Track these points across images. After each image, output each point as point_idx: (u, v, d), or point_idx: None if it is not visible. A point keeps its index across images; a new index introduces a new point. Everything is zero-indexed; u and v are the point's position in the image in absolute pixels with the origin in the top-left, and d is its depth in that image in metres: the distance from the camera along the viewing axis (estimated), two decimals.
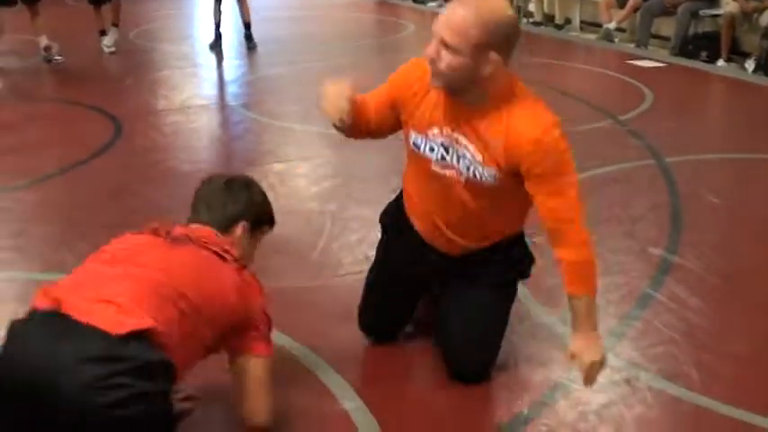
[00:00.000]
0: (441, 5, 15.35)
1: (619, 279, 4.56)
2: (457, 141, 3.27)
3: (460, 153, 3.27)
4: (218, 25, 11.31)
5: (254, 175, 6.42)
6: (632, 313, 4.21)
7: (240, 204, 3.25)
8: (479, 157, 3.23)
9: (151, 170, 6.47)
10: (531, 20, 13.65)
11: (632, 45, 11.63)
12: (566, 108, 8.40)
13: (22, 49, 11.10)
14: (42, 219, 5.62)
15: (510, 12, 3.12)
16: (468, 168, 3.27)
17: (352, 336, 3.99)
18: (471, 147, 3.24)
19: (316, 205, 5.71)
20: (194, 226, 3.15)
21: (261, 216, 3.34)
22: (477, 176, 3.26)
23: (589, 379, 3.19)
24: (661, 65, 10.45)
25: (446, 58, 3.04)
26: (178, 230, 3.05)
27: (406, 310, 3.93)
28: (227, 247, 3.04)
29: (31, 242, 5.18)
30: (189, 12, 14.91)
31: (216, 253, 2.98)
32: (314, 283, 4.57)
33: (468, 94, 3.18)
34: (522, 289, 4.33)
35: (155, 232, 3.01)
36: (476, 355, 3.65)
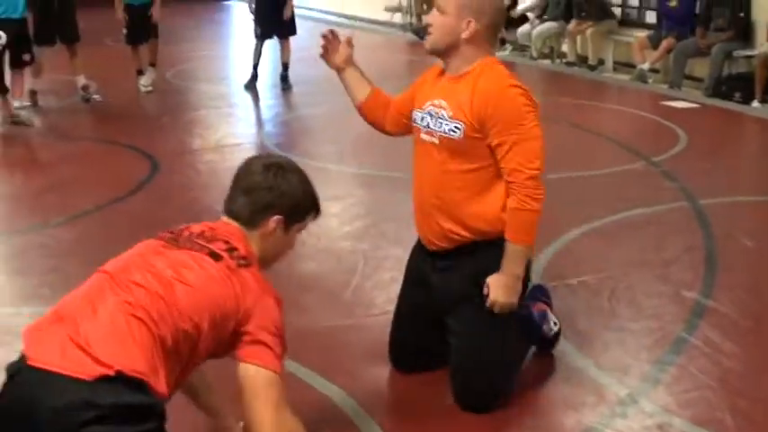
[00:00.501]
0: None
1: (653, 323, 4.54)
2: (438, 106, 3.65)
3: (439, 115, 3.64)
4: (255, 66, 11.42)
5: None
6: (666, 358, 4.18)
7: (274, 193, 2.96)
8: (449, 114, 3.60)
9: (186, 208, 6.52)
10: (564, 60, 13.67)
11: (666, 86, 11.61)
12: (599, 149, 8.41)
13: (61, 89, 11.26)
14: (78, 255, 5.67)
15: None
16: (440, 126, 3.63)
17: (384, 376, 4.00)
18: (445, 105, 3.63)
19: (348, 244, 5.73)
20: (222, 220, 2.99)
21: (299, 206, 3.03)
22: (446, 131, 3.60)
23: (492, 309, 3.59)
24: (695, 106, 10.42)
25: (436, 19, 3.62)
26: (194, 229, 2.91)
27: (427, 339, 3.96)
28: (235, 244, 2.84)
29: (66, 278, 5.22)
30: (225, 52, 15.07)
31: (211, 252, 2.77)
32: (346, 322, 4.58)
33: (452, 60, 3.65)
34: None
35: (168, 234, 2.91)
36: (474, 384, 3.72)
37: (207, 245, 2.80)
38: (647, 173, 7.42)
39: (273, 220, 2.95)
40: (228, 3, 24.50)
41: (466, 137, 3.54)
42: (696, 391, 3.89)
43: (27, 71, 9.86)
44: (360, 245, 5.69)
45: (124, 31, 11.17)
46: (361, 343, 4.37)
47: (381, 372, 4.01)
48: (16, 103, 9.51)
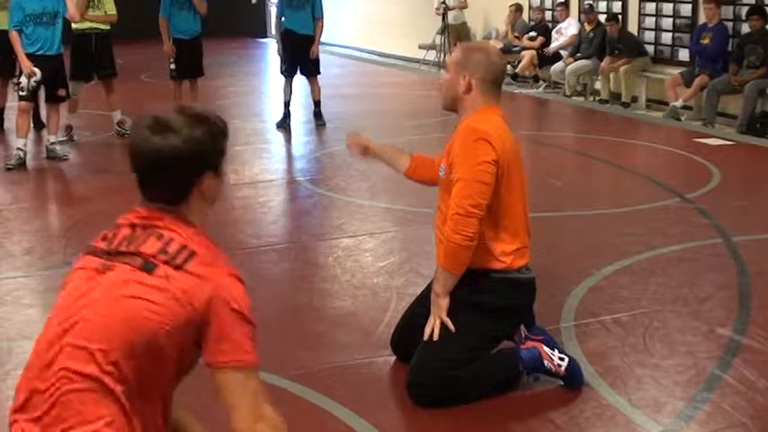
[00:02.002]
0: (509, 83, 15.49)
1: (686, 360, 4.51)
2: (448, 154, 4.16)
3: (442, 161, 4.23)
4: (287, 104, 11.50)
5: (322, 249, 6.60)
6: (700, 395, 4.15)
7: (184, 160, 2.52)
8: (445, 160, 4.16)
9: (219, 243, 6.52)
10: (597, 98, 13.69)
11: (699, 123, 11.60)
12: (632, 186, 8.40)
13: (96, 124, 11.39)
14: None
15: (493, 54, 4.25)
16: (441, 169, 4.22)
17: (413, 413, 4.00)
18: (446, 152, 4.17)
19: (381, 280, 5.74)
20: (147, 208, 2.63)
21: (212, 151, 2.59)
22: (441, 173, 4.21)
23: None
24: (728, 143, 10.39)
25: (443, 77, 4.26)
26: (129, 221, 2.63)
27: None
28: (168, 236, 2.54)
29: None
30: (260, 89, 15.21)
31: (143, 263, 2.48)
32: (378, 358, 4.58)
33: (459, 112, 4.16)
34: (588, 368, 4.33)
35: (102, 244, 2.62)
36: (418, 373, 4.07)
37: (139, 250, 2.50)
38: (680, 210, 7.40)
39: (206, 181, 2.58)
40: (263, 40, 24.74)
41: (447, 176, 4.09)
42: (730, 429, 3.86)
43: (63, 106, 9.98)
44: (393, 281, 5.70)
45: (171, 66, 11.31)
46: (392, 379, 4.37)
47: (411, 409, 4.01)
48: (52, 138, 9.62)
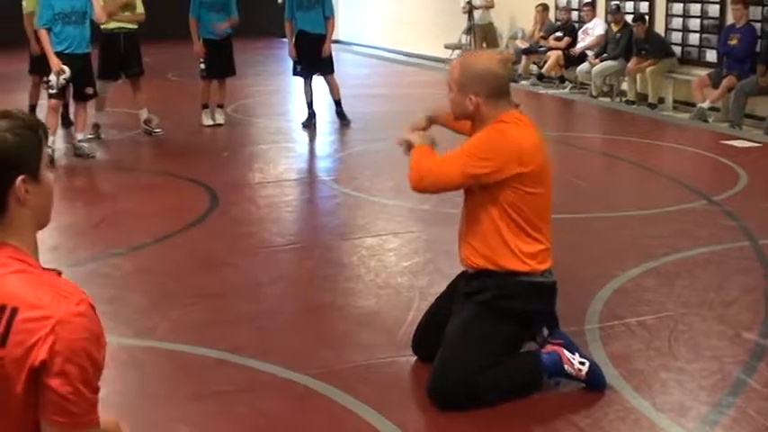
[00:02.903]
0: (534, 84, 15.45)
1: (711, 365, 4.48)
2: None
3: None
4: (310, 104, 11.51)
5: (345, 248, 6.61)
6: (725, 400, 4.12)
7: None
8: None
9: (244, 242, 6.59)
10: (623, 99, 13.63)
11: (726, 125, 11.52)
12: (658, 188, 8.35)
13: (123, 122, 11.46)
14: (137, 286, 5.75)
15: (494, 64, 4.15)
16: None
17: (435, 413, 3.99)
18: None
19: (405, 280, 5.73)
20: None
21: (33, 148, 2.18)
22: None
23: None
24: (755, 145, 10.31)
25: (450, 95, 4.18)
26: None
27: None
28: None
29: (125, 308, 5.31)
30: (286, 88, 15.20)
31: None
32: (401, 357, 4.58)
33: (474, 123, 4.18)
34: (613, 371, 4.31)
35: None
36: (441, 374, 4.03)
37: None
38: (707, 212, 7.35)
39: (18, 186, 2.12)
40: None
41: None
42: None
43: (90, 104, 10.04)
44: (416, 281, 5.69)
45: (202, 65, 11.37)
46: (414, 379, 4.37)
47: (434, 409, 4.01)
48: (79, 136, 9.68)
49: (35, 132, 2.19)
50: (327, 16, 11.34)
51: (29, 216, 2.20)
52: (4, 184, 2.11)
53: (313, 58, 11.29)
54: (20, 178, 2.12)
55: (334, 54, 11.62)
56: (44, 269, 2.16)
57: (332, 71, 11.51)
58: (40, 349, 1.97)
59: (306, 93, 11.50)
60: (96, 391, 2.05)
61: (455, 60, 4.37)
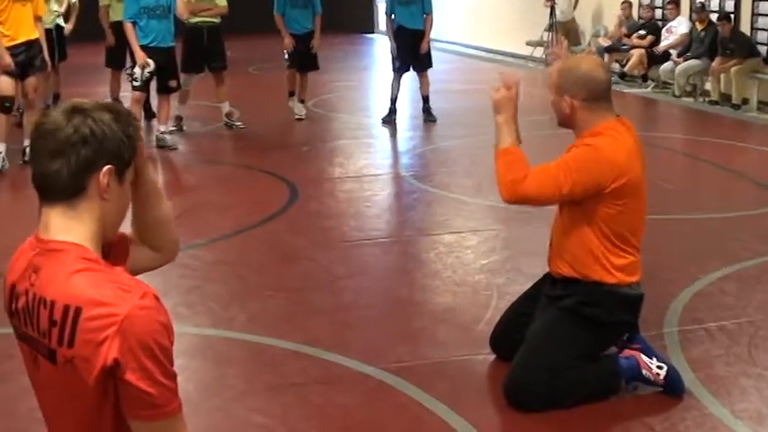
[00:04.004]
0: (616, 82, 15.27)
1: None
2: None
3: None
4: (394, 100, 11.53)
5: (424, 244, 6.62)
6: None
7: (92, 144, 2.09)
8: None
9: (322, 236, 6.63)
10: (707, 99, 13.41)
11: None
12: (741, 190, 8.21)
13: (205, 115, 11.62)
14: (216, 277, 5.82)
15: (593, 67, 4.06)
16: None
17: (509, 412, 3.98)
18: None
19: (483, 278, 5.72)
20: (42, 227, 2.15)
21: (122, 149, 2.15)
22: None
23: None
24: None
25: (550, 99, 4.12)
26: (22, 290, 2.14)
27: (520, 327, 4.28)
28: (62, 303, 2.03)
29: (204, 299, 5.37)
30: (367, 83, 15.30)
31: (49, 351, 2.06)
32: (477, 356, 4.57)
33: (574, 131, 4.09)
34: (691, 376, 4.25)
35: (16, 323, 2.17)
36: (517, 374, 4.03)
37: (40, 333, 2.08)
38: None
39: (104, 174, 2.11)
40: (371, 36, 24.84)
41: None
42: None
43: (173, 97, 10.21)
44: (494, 279, 5.67)
45: (286, 56, 11.49)
46: (490, 378, 4.36)
47: (510, 409, 3.99)
48: (162, 128, 9.85)
49: (133, 140, 2.18)
50: (427, 12, 11.35)
51: (101, 212, 2.17)
52: (90, 166, 2.09)
53: (411, 54, 11.32)
54: (107, 167, 2.10)
55: None
56: (107, 264, 2.13)
57: (429, 67, 11.52)
58: (111, 347, 1.97)
59: (393, 87, 11.52)
60: (174, 377, 2.06)
61: (556, 63, 4.27)
